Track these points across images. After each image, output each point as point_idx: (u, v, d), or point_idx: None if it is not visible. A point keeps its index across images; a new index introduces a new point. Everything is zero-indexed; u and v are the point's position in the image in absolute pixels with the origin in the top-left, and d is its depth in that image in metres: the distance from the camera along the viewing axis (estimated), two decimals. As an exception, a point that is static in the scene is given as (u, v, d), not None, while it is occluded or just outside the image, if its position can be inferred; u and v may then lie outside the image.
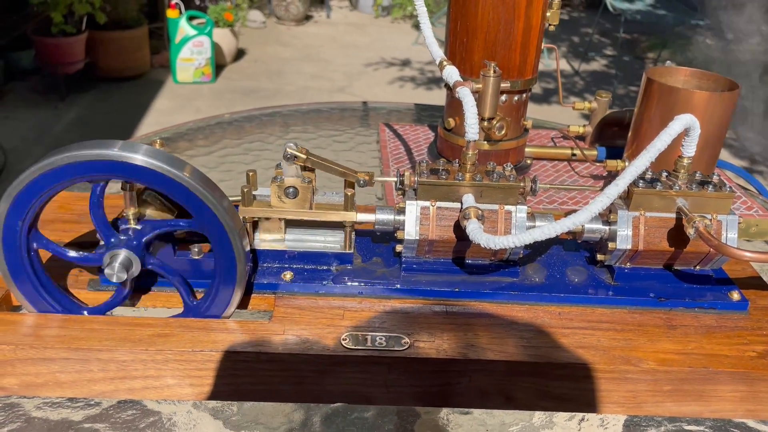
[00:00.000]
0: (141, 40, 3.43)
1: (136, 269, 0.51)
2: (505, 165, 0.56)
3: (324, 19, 5.00)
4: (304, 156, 0.54)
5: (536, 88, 3.55)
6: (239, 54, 3.92)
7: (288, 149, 0.53)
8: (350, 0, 5.42)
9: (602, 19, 4.58)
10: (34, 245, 0.50)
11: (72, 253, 0.51)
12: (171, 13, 3.32)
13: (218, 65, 3.61)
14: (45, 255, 0.56)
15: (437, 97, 3.41)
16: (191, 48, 3.33)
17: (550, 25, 0.78)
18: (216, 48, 3.52)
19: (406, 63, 4.04)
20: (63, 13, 2.98)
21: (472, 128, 0.52)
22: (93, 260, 0.51)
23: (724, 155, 2.72)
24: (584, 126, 0.93)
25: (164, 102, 3.19)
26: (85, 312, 0.53)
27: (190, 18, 3.33)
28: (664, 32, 4.43)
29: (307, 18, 4.89)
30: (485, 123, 0.63)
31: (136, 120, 2.97)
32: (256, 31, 4.50)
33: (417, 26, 4.71)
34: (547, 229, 0.47)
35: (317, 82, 3.61)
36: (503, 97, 0.76)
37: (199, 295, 0.54)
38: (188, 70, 3.39)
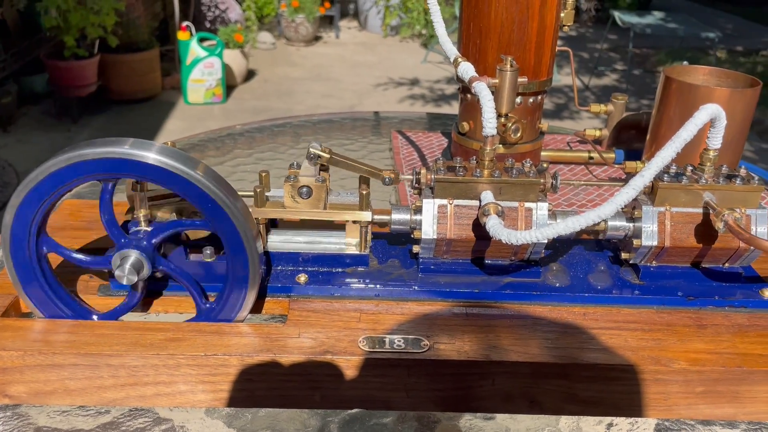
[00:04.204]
0: (152, 62, 3.46)
1: (146, 271, 0.49)
2: (524, 161, 0.54)
3: (333, 39, 5.04)
4: (327, 155, 0.53)
5: (547, 104, 3.54)
6: (249, 75, 3.95)
7: (311, 149, 0.52)
8: (359, 20, 5.47)
9: (611, 34, 4.59)
10: (44, 249, 0.49)
11: (80, 256, 0.50)
12: (182, 36, 3.35)
13: (229, 86, 3.64)
14: (55, 261, 0.55)
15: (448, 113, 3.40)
16: (202, 69, 3.36)
17: (564, 25, 0.77)
18: (226, 69, 3.54)
19: (415, 82, 4.05)
20: (75, 37, 3.02)
21: (489, 123, 0.51)
22: (101, 263, 0.50)
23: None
24: (600, 129, 0.91)
25: (176, 123, 3.21)
26: (95, 317, 0.52)
27: (201, 40, 3.36)
28: (674, 46, 4.42)
29: (317, 39, 4.93)
30: (502, 119, 0.61)
31: (147, 141, 2.99)
32: (266, 52, 4.54)
33: (425, 45, 4.73)
34: (571, 223, 0.45)
35: (327, 101, 3.62)
36: (518, 99, 0.75)
37: (212, 299, 0.53)
38: (199, 91, 3.41)
